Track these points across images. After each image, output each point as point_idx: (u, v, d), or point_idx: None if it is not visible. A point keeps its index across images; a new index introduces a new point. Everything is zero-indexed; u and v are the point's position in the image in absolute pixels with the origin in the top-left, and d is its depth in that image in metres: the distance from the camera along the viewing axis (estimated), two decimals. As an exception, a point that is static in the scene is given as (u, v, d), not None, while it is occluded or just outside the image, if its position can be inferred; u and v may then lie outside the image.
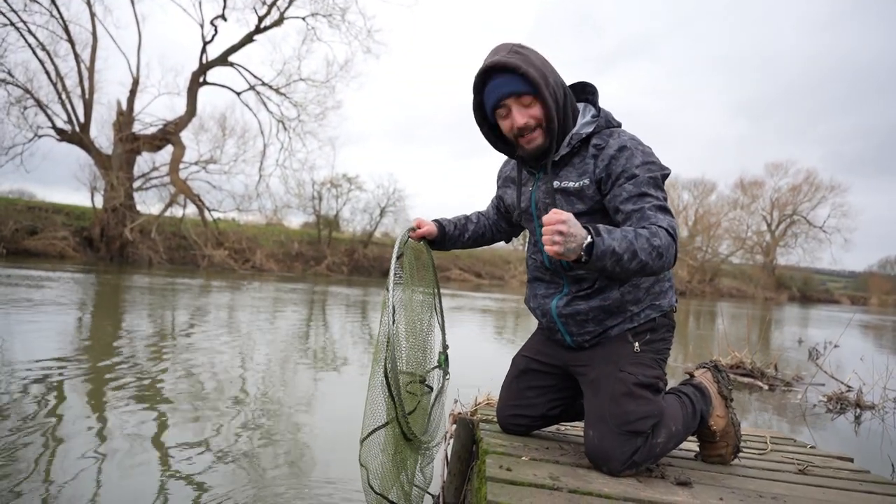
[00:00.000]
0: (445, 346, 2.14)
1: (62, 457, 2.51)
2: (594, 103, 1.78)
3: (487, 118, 1.77)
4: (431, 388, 1.99)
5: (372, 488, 1.54)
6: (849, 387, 5.36)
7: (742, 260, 47.99)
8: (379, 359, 1.52)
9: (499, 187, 2.05)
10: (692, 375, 1.98)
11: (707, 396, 1.87)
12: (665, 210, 1.57)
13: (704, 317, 17.48)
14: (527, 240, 2.05)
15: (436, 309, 2.12)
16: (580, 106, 1.78)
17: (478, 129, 1.82)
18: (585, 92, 1.80)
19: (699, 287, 39.32)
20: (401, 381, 1.53)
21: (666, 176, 1.64)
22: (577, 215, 1.67)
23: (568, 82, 1.78)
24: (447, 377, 2.11)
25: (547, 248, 1.37)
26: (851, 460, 2.14)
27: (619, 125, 1.75)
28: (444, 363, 2.09)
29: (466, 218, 2.16)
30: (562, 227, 1.35)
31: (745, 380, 5.90)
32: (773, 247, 47.12)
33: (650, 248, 1.46)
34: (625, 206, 1.58)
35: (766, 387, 5.73)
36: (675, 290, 1.86)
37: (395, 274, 1.61)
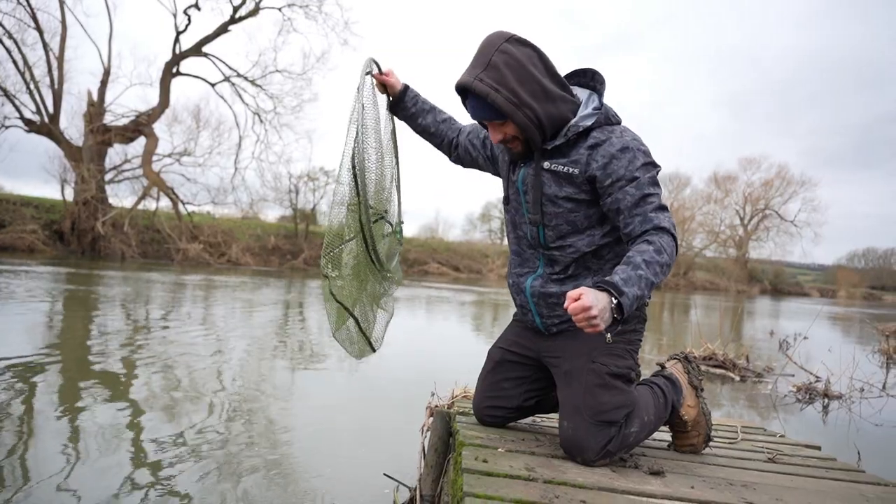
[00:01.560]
0: (401, 221, 2.21)
1: (34, 453, 2.46)
2: (600, 94, 1.76)
3: None
4: (392, 229, 2.11)
5: (333, 295, 1.73)
6: (817, 377, 5.49)
7: (715, 253, 48.81)
8: (344, 162, 1.67)
9: (495, 147, 2.00)
10: (663, 367, 2.01)
11: (678, 387, 1.90)
12: (664, 208, 1.62)
13: (678, 309, 17.75)
14: (504, 216, 2.03)
15: (395, 178, 2.14)
16: (584, 94, 1.76)
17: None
18: (594, 80, 1.79)
19: (673, 280, 39.85)
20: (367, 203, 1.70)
21: (658, 171, 1.68)
22: (564, 199, 1.69)
23: (574, 67, 1.78)
24: (400, 247, 2.22)
25: (588, 331, 1.40)
26: (819, 448, 2.20)
27: (619, 122, 1.74)
28: (399, 234, 2.17)
29: (439, 110, 2.15)
30: (592, 311, 1.37)
31: (717, 371, 6.01)
32: (745, 240, 47.99)
33: (660, 268, 1.52)
34: (628, 210, 1.61)
35: (737, 378, 5.84)
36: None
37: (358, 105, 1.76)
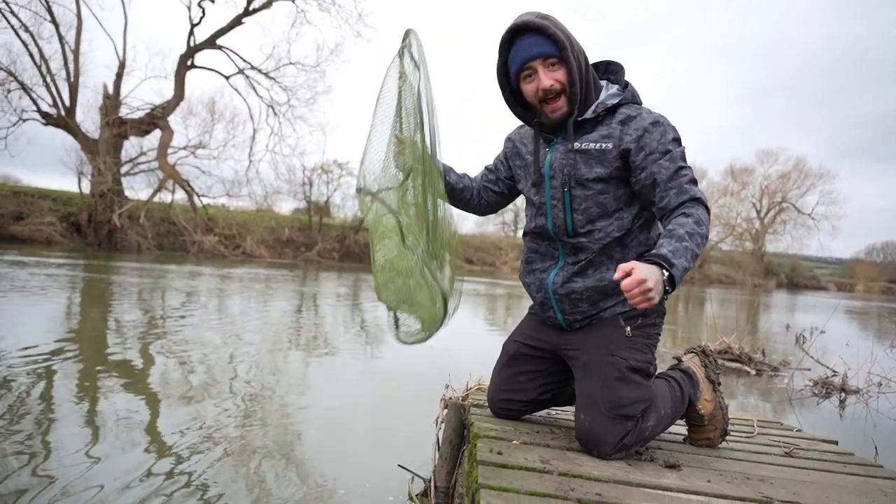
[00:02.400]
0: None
1: (53, 439, 2.51)
2: (618, 81, 1.79)
3: (509, 82, 1.77)
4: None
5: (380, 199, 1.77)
6: (834, 371, 5.43)
7: (731, 247, 48.32)
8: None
9: (508, 150, 1.99)
10: (680, 360, 2.00)
11: (695, 381, 1.89)
12: (696, 181, 1.64)
13: (693, 302, 17.62)
14: (523, 213, 2.04)
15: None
16: (602, 83, 1.78)
17: (500, 93, 1.83)
18: (609, 72, 1.82)
19: (688, 273, 39.46)
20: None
21: (685, 150, 1.70)
22: (595, 180, 1.69)
23: (592, 60, 1.79)
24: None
25: (643, 305, 1.38)
26: (836, 443, 2.18)
27: (642, 103, 1.77)
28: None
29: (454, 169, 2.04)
30: (648, 283, 1.36)
31: (733, 365, 5.97)
32: (762, 234, 47.46)
33: (701, 239, 1.54)
34: (664, 183, 1.62)
35: (753, 371, 5.79)
36: None
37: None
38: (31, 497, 1.97)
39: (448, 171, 1.96)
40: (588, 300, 1.75)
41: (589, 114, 1.71)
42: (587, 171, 1.70)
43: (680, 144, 1.67)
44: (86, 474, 2.20)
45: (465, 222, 42.00)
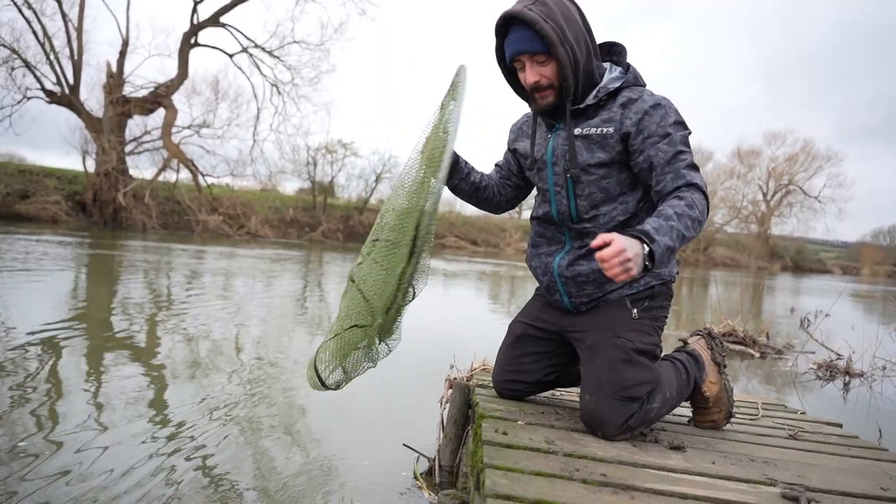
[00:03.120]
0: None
1: (61, 417, 2.53)
2: (620, 63, 1.76)
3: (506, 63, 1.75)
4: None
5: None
6: (839, 355, 5.43)
7: (737, 229, 48.12)
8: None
9: (511, 141, 1.98)
10: (686, 342, 2.00)
11: (701, 363, 1.88)
12: (696, 167, 1.61)
13: (697, 285, 17.61)
14: (533, 196, 2.00)
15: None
16: (606, 65, 1.75)
17: (501, 74, 1.79)
18: (612, 53, 1.79)
19: (693, 256, 39.45)
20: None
21: (689, 134, 1.66)
22: (597, 165, 1.67)
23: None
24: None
25: (622, 278, 1.34)
26: (840, 426, 2.18)
27: (645, 85, 1.74)
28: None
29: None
30: (626, 254, 1.33)
31: (737, 347, 5.97)
32: (768, 216, 47.21)
33: (691, 222, 1.50)
34: (661, 167, 1.59)
35: (757, 354, 5.80)
36: (677, 260, 1.86)
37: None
38: (41, 461, 1.99)
39: (471, 170, 1.92)
40: (594, 283, 1.74)
41: (590, 99, 1.69)
42: (589, 157, 1.68)
43: (683, 128, 1.64)
44: (90, 449, 2.22)
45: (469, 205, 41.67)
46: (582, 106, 1.69)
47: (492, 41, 1.72)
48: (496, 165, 2.07)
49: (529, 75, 1.64)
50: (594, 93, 1.69)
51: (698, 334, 2.02)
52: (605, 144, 1.66)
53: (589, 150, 1.68)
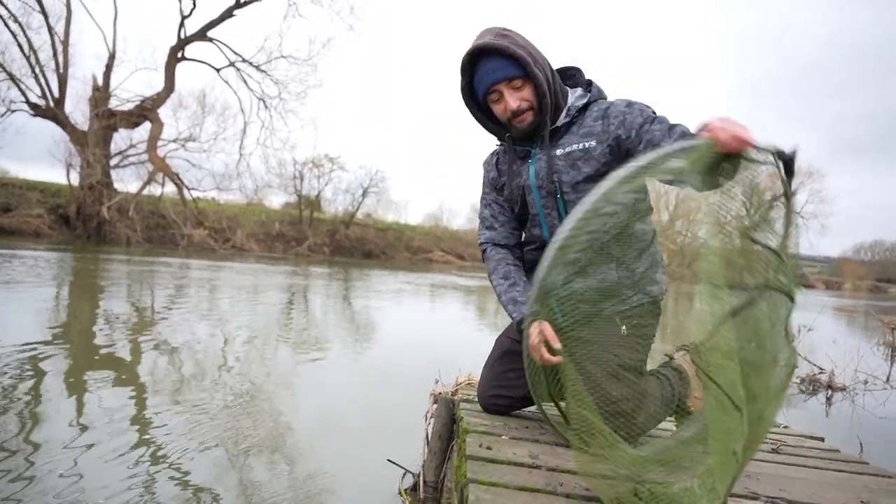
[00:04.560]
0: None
1: (41, 437, 2.48)
2: (578, 84, 1.82)
3: (476, 100, 1.78)
4: None
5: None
6: (821, 369, 5.48)
7: (721, 244, 48.40)
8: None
9: (493, 179, 1.94)
10: (672, 357, 2.01)
11: (686, 379, 1.90)
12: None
13: (682, 298, 17.73)
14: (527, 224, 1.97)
15: None
16: (567, 88, 1.80)
17: (466, 109, 1.82)
18: (567, 76, 1.84)
19: (678, 271, 39.73)
20: None
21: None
22: (585, 180, 1.69)
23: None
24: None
25: (744, 138, 1.28)
26: (822, 440, 2.19)
27: (607, 97, 1.80)
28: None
29: (515, 274, 1.90)
30: (735, 127, 1.27)
31: (722, 362, 5.99)
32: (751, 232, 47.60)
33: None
34: (662, 142, 1.58)
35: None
36: (666, 278, 1.87)
37: None
38: (20, 488, 1.95)
39: (524, 282, 1.87)
40: (589, 300, 1.75)
41: (562, 119, 1.74)
42: (576, 174, 1.70)
43: (656, 112, 1.69)
44: (72, 467, 2.18)
45: (457, 218, 41.81)
46: (557, 125, 1.73)
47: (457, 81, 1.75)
48: (491, 217, 1.99)
49: (510, 101, 1.67)
50: (564, 112, 1.74)
51: (685, 349, 2.03)
52: (590, 158, 1.69)
53: (574, 168, 1.71)
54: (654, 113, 1.68)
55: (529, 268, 1.93)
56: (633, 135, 1.65)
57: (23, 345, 4.05)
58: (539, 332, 1.54)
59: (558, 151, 1.72)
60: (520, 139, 1.78)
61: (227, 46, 23.43)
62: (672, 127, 1.61)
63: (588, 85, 1.80)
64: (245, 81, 24.27)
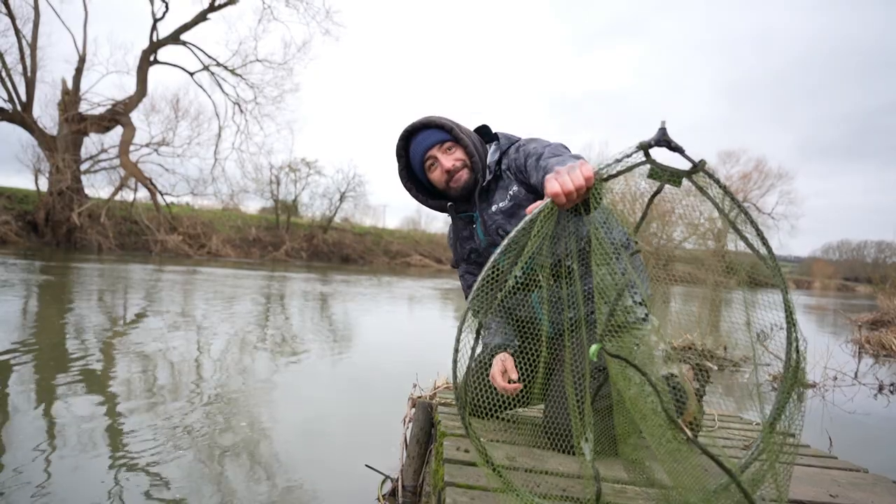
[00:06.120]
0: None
1: (10, 448, 2.43)
2: (490, 140, 1.99)
3: (415, 178, 1.98)
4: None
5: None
6: (792, 366, 5.58)
7: (694, 245, 49.21)
8: None
9: (466, 251, 2.07)
10: (673, 375, 2.04)
11: (684, 396, 1.92)
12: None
13: (659, 300, 17.95)
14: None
15: None
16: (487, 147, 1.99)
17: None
18: (482, 135, 2.01)
19: (654, 272, 40.20)
20: None
21: (561, 145, 1.77)
22: None
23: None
24: None
25: (577, 185, 1.32)
26: (793, 436, 2.24)
27: (519, 139, 1.95)
28: None
29: (503, 329, 1.96)
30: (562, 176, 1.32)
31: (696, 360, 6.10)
32: (724, 233, 48.47)
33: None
34: (534, 175, 1.69)
35: (715, 367, 5.93)
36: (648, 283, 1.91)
37: None
38: (-17, 505, 1.90)
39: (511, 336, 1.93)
40: (573, 307, 1.77)
41: (489, 176, 1.90)
42: (517, 222, 1.73)
43: (544, 143, 1.79)
44: (45, 479, 2.13)
45: (435, 222, 41.76)
46: (484, 184, 1.89)
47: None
48: (469, 274, 2.10)
49: (445, 162, 1.87)
50: (489, 170, 1.91)
51: (686, 361, 2.07)
52: (521, 202, 1.83)
53: (514, 216, 1.85)
54: (542, 143, 1.79)
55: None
56: (531, 162, 1.75)
57: (-10, 355, 3.95)
58: (501, 362, 1.76)
59: (493, 208, 1.89)
60: (461, 203, 1.94)
61: (201, 50, 23.21)
62: (537, 162, 1.69)
63: (496, 139, 1.97)
64: (220, 85, 24.06)
